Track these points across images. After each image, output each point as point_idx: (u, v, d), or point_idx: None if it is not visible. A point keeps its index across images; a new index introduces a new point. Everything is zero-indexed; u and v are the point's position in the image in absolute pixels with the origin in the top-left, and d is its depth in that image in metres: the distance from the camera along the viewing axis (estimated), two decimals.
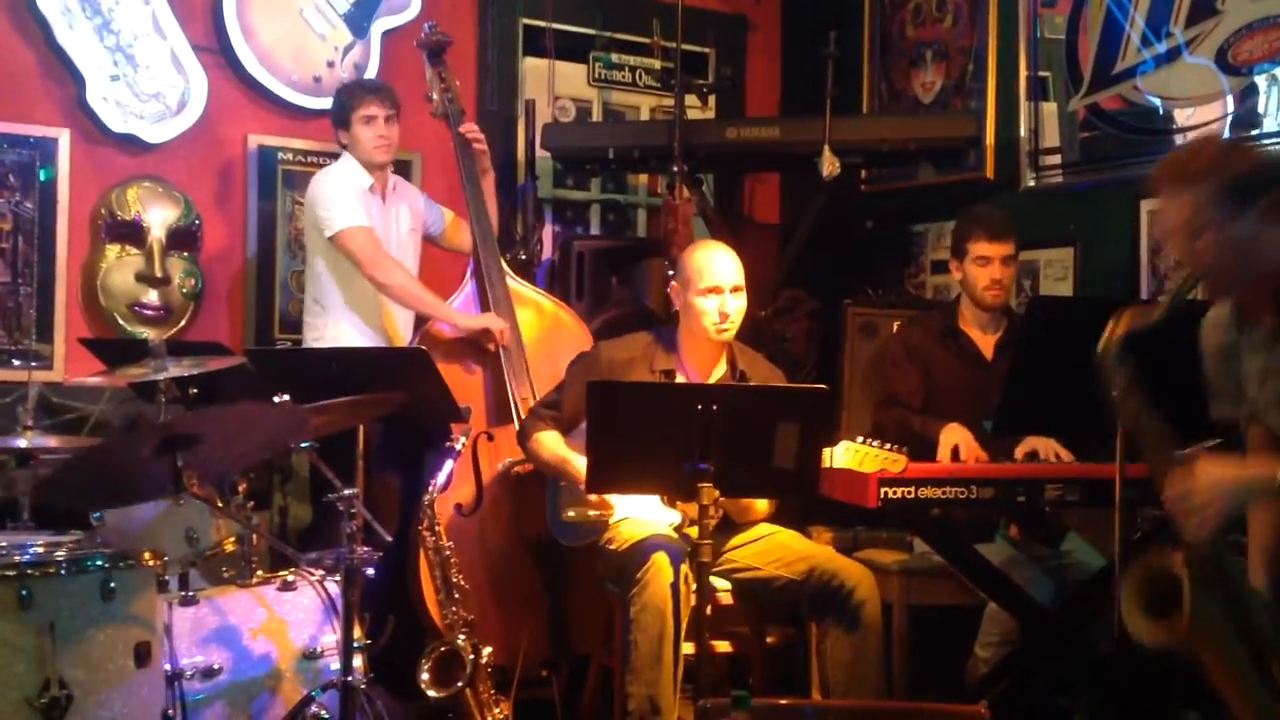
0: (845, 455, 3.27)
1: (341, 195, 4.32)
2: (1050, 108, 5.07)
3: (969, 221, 4.09)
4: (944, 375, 4.04)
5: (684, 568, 3.32)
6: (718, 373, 3.73)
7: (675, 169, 4.86)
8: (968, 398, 3.94)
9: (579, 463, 3.49)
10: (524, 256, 5.11)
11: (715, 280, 3.61)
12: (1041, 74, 5.10)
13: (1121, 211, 4.76)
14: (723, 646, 3.76)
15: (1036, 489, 3.44)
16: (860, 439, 3.29)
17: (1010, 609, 3.70)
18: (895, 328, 4.87)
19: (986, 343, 4.07)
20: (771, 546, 3.64)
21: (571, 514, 3.71)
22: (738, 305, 3.63)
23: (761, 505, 3.67)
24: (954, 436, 3.73)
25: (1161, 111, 4.67)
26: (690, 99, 5.25)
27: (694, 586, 3.12)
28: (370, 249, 4.29)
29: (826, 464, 3.26)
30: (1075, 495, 3.45)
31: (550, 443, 3.71)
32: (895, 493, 3.26)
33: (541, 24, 5.61)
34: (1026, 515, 3.90)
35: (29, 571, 2.66)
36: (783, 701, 2.63)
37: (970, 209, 4.29)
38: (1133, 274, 4.71)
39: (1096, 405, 3.04)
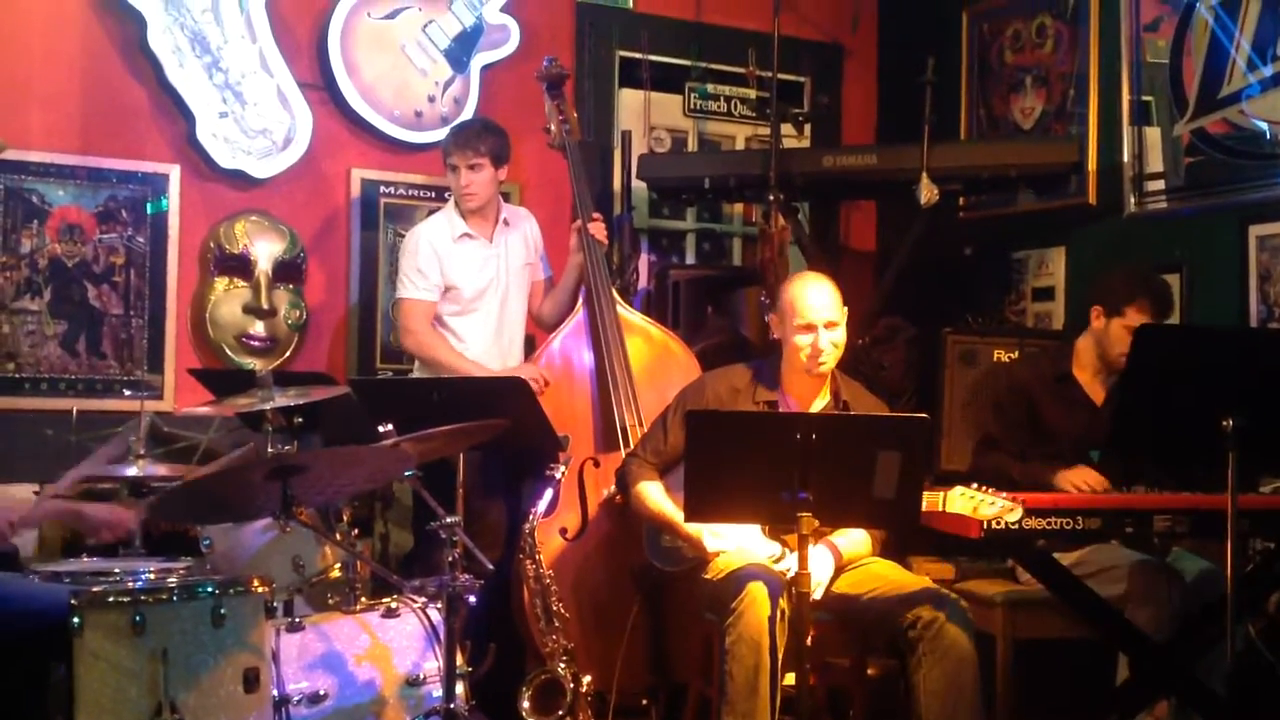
0: (960, 502, 3.21)
1: (419, 262, 4.40)
2: (1154, 132, 4.98)
3: (1139, 284, 3.91)
4: (1052, 420, 3.94)
5: (781, 600, 3.29)
6: (820, 403, 3.71)
7: (771, 198, 4.86)
8: (1073, 443, 3.86)
9: (682, 518, 3.48)
10: (620, 285, 5.12)
11: (809, 317, 3.59)
12: (1144, 98, 5.02)
13: (1229, 237, 4.67)
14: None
15: (1145, 520, 3.37)
16: (974, 485, 3.23)
17: (1118, 642, 3.63)
18: (996, 357, 4.82)
19: (1097, 388, 3.97)
20: (866, 576, 3.60)
21: (670, 539, 3.72)
22: (832, 339, 3.60)
23: (865, 548, 3.63)
24: (1075, 478, 3.63)
25: (1269, 136, 4.58)
26: (786, 128, 5.24)
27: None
28: (416, 324, 4.40)
29: (939, 508, 3.22)
30: (1184, 527, 3.38)
31: (653, 496, 3.71)
32: (999, 524, 3.21)
33: (637, 55, 5.65)
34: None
35: (142, 597, 2.72)
36: None
37: (1143, 271, 4.11)
38: (1241, 301, 4.61)
39: (1206, 433, 3.00)
